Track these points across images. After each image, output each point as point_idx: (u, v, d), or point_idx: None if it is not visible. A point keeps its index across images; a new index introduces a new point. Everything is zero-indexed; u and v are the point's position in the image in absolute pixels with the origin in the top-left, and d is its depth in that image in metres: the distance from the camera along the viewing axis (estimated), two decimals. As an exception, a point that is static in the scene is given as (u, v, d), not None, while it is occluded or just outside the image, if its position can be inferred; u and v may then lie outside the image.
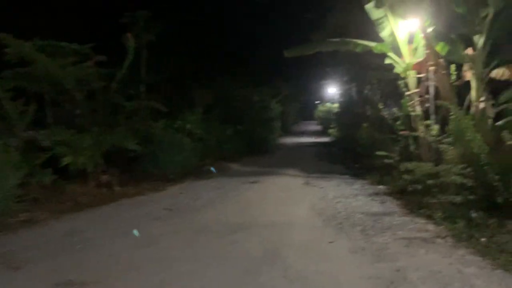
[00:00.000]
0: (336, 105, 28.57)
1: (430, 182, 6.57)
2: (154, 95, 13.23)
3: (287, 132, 31.88)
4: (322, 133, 30.67)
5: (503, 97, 8.09)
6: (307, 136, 29.24)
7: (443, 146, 7.14)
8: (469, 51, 7.91)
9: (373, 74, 11.82)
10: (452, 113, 7.05)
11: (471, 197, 5.96)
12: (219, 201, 7.66)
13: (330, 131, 24.38)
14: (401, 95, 10.64)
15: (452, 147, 6.91)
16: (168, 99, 14.00)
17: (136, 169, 10.10)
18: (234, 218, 6.35)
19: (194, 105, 13.99)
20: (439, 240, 5.22)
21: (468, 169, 6.12)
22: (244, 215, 6.53)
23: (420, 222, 6.15)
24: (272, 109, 22.88)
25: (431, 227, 5.88)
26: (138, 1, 13.37)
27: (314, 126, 39.62)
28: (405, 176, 7.23)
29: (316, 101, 43.01)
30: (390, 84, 13.61)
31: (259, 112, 18.71)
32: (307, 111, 48.81)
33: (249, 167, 13.08)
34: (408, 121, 9.08)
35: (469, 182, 6.01)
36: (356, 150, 12.63)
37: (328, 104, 33.90)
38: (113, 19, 12.36)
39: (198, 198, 7.85)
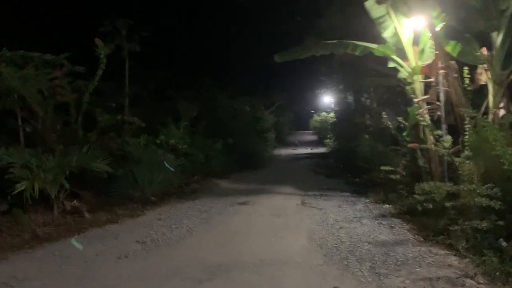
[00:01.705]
0: (332, 114, 27.74)
1: (448, 204, 5.58)
2: (138, 108, 12.28)
3: (282, 143, 31.01)
4: (318, 143, 29.78)
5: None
6: (303, 147, 28.27)
7: (458, 160, 6.13)
8: (484, 50, 6.97)
9: (373, 80, 10.85)
10: (467, 122, 6.10)
11: (500, 222, 4.97)
12: (200, 230, 6.57)
13: (327, 141, 23.54)
14: (402, 103, 9.72)
15: (469, 162, 5.92)
16: (152, 112, 13.05)
17: (112, 191, 8.98)
18: (214, 255, 5.26)
19: (179, 118, 12.95)
20: (469, 281, 4.19)
21: (495, 189, 5.12)
22: (227, 251, 5.43)
23: (440, 253, 5.13)
24: (266, 120, 21.96)
25: (454, 260, 4.85)
26: (121, 10, 12.49)
27: (309, 136, 38.70)
28: (418, 197, 6.20)
29: (311, 110, 42.21)
30: (389, 91, 12.70)
31: (251, 124, 17.73)
32: (302, 121, 48.21)
33: (239, 184, 12.00)
34: (416, 131, 8.11)
35: (496, 205, 5.02)
36: (356, 163, 11.64)
37: (323, 114, 33.11)
38: (95, 29, 11.45)
39: (177, 227, 6.77)
